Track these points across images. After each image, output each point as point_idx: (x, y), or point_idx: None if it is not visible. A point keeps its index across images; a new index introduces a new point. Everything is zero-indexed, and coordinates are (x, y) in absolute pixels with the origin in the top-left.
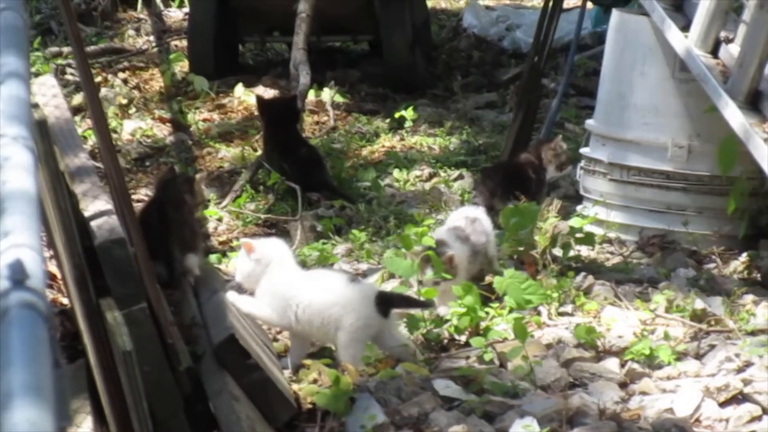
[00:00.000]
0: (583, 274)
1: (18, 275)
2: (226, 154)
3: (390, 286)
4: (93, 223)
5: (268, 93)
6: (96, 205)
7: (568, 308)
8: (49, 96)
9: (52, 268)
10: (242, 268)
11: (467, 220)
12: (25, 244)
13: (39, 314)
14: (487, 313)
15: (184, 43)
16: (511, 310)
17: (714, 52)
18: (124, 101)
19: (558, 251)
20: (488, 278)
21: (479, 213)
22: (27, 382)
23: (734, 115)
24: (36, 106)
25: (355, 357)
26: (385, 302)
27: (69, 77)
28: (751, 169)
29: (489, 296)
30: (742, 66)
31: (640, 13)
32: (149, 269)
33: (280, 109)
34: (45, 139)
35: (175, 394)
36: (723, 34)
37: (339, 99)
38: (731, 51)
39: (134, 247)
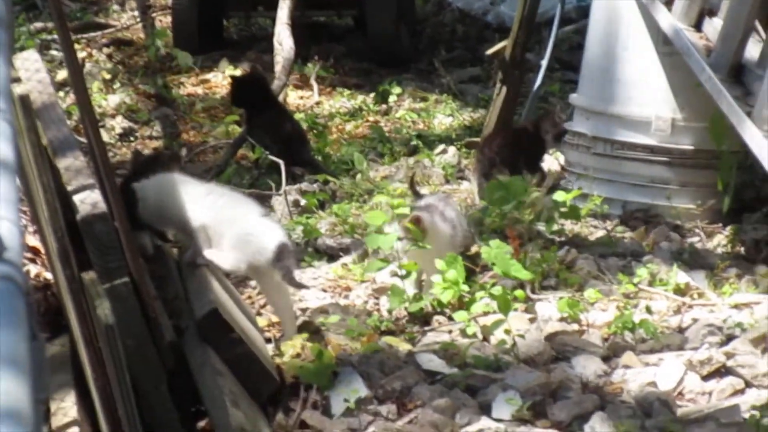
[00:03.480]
0: (566, 248)
1: None
2: (211, 128)
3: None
4: (76, 198)
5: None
6: (79, 179)
7: (552, 282)
8: (32, 71)
9: (36, 242)
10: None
11: (437, 198)
12: (3, 216)
13: (16, 286)
14: (470, 287)
15: (169, 18)
16: (494, 284)
17: (697, 25)
18: (108, 76)
19: (542, 225)
20: (474, 248)
21: (445, 196)
22: (3, 354)
23: (717, 90)
24: (19, 80)
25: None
26: (281, 253)
27: (53, 53)
28: (734, 142)
29: (474, 268)
30: (725, 39)
31: None
32: (132, 243)
33: (248, 85)
34: (28, 113)
35: (158, 368)
36: (706, 7)
37: (323, 74)
38: (714, 24)
39: (117, 221)
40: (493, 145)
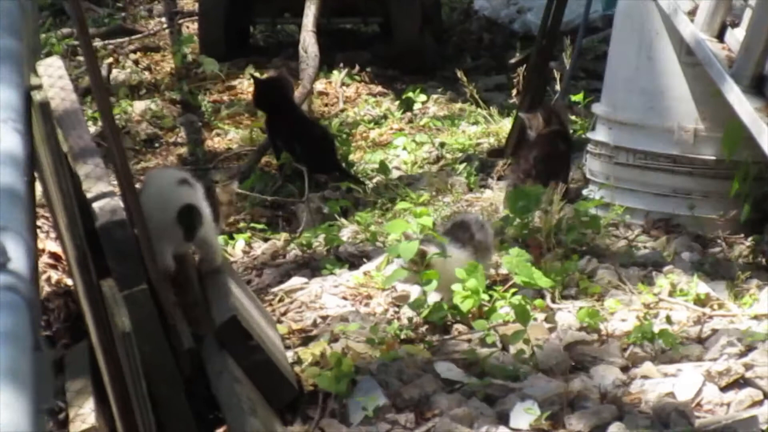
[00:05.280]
0: (587, 257)
1: None
2: (235, 135)
3: (393, 268)
4: (95, 205)
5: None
6: (98, 186)
7: (572, 291)
8: (55, 77)
9: (58, 248)
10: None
11: (473, 219)
12: (8, 227)
13: (20, 297)
14: (490, 296)
15: (196, 25)
16: (514, 293)
17: (720, 36)
18: (135, 82)
19: (563, 234)
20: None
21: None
22: (4, 367)
23: (739, 101)
24: (40, 87)
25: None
26: (189, 219)
27: (80, 58)
28: (756, 153)
29: (492, 279)
30: (748, 50)
31: None
32: (151, 251)
33: (271, 88)
34: (47, 120)
35: (175, 376)
36: (729, 18)
37: (348, 81)
38: (737, 35)
39: (136, 229)
40: (530, 156)
